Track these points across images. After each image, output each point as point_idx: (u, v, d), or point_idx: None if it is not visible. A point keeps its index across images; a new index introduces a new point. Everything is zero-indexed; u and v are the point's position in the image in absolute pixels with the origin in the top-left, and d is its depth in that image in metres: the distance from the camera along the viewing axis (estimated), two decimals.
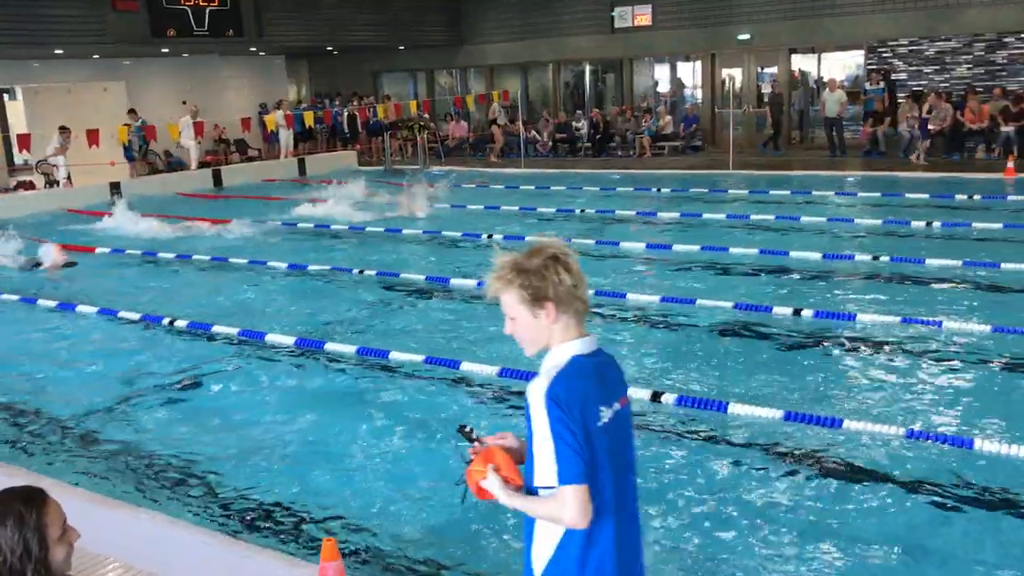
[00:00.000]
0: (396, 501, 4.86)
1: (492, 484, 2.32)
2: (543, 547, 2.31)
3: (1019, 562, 4.04)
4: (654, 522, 4.50)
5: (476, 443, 2.44)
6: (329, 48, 26.31)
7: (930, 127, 17.84)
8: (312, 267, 10.78)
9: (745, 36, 20.99)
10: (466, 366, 6.86)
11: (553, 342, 2.33)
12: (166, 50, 21.50)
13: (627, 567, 2.34)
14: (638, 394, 6.10)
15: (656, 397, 6.04)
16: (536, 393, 2.23)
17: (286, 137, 22.62)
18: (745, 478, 4.97)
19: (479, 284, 9.59)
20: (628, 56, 23.61)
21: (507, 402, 6.24)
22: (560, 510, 2.20)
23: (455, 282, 9.73)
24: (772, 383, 6.36)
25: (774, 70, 21.78)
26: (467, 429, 2.47)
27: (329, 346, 7.57)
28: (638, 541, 2.44)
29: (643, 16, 22.33)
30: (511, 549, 4.28)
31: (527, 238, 11.82)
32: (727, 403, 5.84)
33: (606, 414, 2.28)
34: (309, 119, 22.70)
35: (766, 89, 22.12)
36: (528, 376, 6.49)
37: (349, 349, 7.44)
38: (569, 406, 2.19)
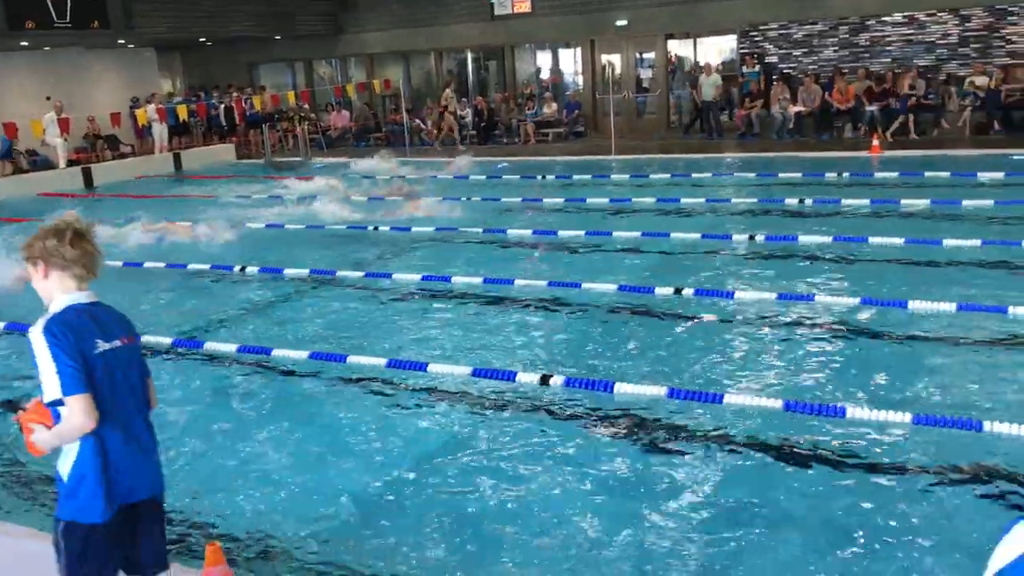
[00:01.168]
0: (282, 503, 4.75)
1: (34, 435, 2.91)
2: (67, 455, 2.91)
3: (868, 517, 4.22)
4: (553, 492, 4.53)
5: (18, 412, 3.03)
6: (203, 40, 25.48)
7: (799, 108, 18.55)
8: (192, 266, 10.43)
9: (623, 22, 21.32)
10: (353, 359, 6.77)
11: (54, 295, 2.94)
12: (25, 43, 20.39)
13: (134, 464, 2.97)
14: (527, 378, 6.13)
15: (545, 380, 6.08)
16: (35, 332, 2.82)
17: (160, 132, 21.84)
18: (633, 455, 5.05)
19: (367, 275, 9.48)
20: (509, 43, 23.68)
21: (392, 398, 6.18)
22: (71, 418, 2.80)
23: (342, 274, 9.59)
24: (657, 361, 6.50)
25: (652, 55, 22.19)
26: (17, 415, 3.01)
27: (209, 345, 7.35)
28: (145, 446, 3.05)
29: (523, 3, 22.41)
30: (401, 552, 4.25)
31: (414, 229, 11.76)
32: (613, 383, 5.93)
33: (103, 346, 2.89)
34: (183, 112, 21.96)
35: (645, 75, 22.55)
36: (413, 366, 6.47)
37: (229, 348, 7.23)
38: (64, 335, 2.80)
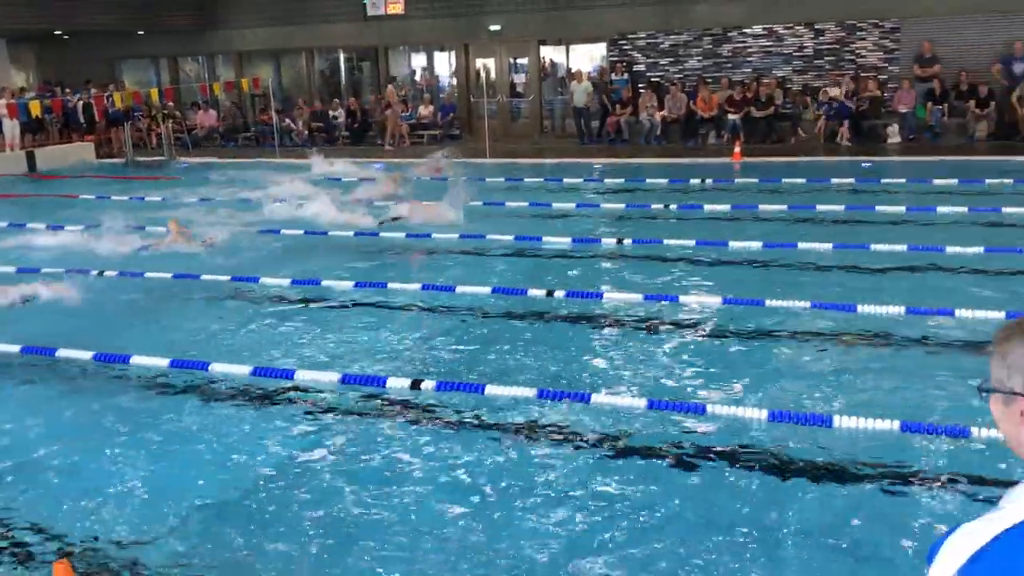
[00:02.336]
0: (138, 515, 4.58)
1: None
2: None
3: (732, 510, 4.41)
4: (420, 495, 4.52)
5: None
6: (59, 32, 24.26)
7: (666, 115, 19.13)
8: (46, 269, 9.92)
9: (496, 27, 21.48)
10: (217, 367, 6.58)
11: None
12: None
13: None
14: (398, 383, 6.11)
15: (416, 385, 6.07)
16: None
17: (11, 128, 20.67)
18: (503, 456, 5.10)
19: (233, 279, 9.23)
20: (383, 44, 23.50)
21: (257, 407, 6.05)
22: None
23: (207, 278, 9.31)
24: (529, 363, 6.58)
25: (525, 60, 22.45)
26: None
27: (62, 352, 7.00)
28: None
29: (396, 5, 22.29)
30: (263, 560, 4.16)
31: (283, 231, 11.52)
32: (484, 385, 5.97)
33: None
34: (36, 108, 20.85)
35: (519, 79, 22.78)
36: (282, 374, 6.35)
37: (84, 355, 6.91)
38: None
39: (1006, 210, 11.12)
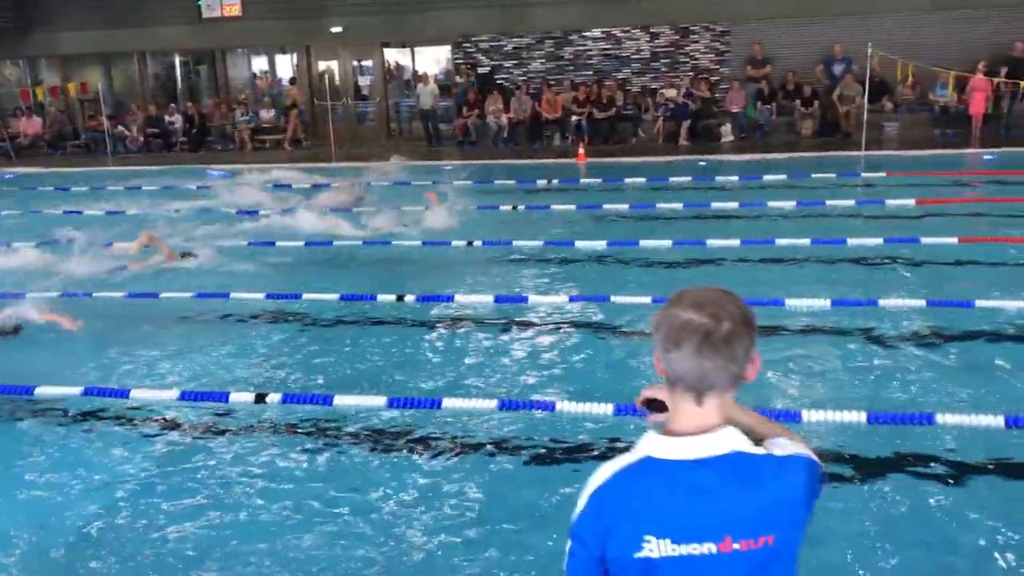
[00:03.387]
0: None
1: None
2: None
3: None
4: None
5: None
6: None
7: (512, 116, 19.35)
8: None
9: (338, 29, 21.15)
10: (43, 390, 6.19)
11: None
12: None
13: None
14: (242, 398, 5.91)
15: (261, 399, 5.90)
16: None
17: None
18: (355, 466, 5.01)
19: (63, 295, 8.69)
20: (220, 47, 22.74)
21: (91, 429, 5.73)
22: None
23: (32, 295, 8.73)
24: (380, 369, 6.50)
25: (369, 63, 22.22)
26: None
27: None
28: None
29: (232, 6, 21.61)
30: None
31: (114, 245, 10.91)
32: (332, 396, 5.86)
33: None
34: None
35: (364, 82, 22.53)
36: (115, 393, 6.02)
37: None
38: None
39: (830, 203, 11.80)
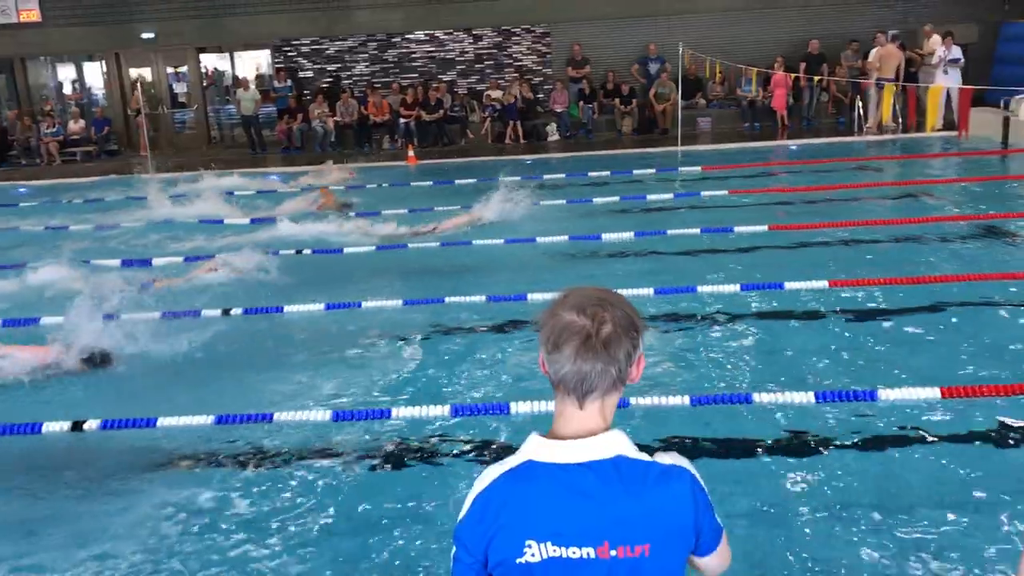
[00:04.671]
0: None
1: None
2: None
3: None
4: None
5: None
6: None
7: (338, 119, 19.08)
8: None
9: (149, 34, 20.22)
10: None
11: None
12: None
13: None
14: (56, 427, 5.56)
15: (78, 427, 5.57)
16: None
17: None
18: (179, 491, 4.82)
19: None
20: (20, 55, 21.27)
21: None
22: None
23: None
24: (214, 390, 6.27)
25: (185, 69, 21.37)
26: None
27: None
28: None
29: (30, 12, 20.26)
30: None
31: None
32: (157, 419, 5.61)
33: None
34: None
35: (180, 89, 21.65)
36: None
37: None
38: None
39: (651, 197, 12.28)
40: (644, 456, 1.80)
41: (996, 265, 8.28)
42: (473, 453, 5.13)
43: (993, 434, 5.08)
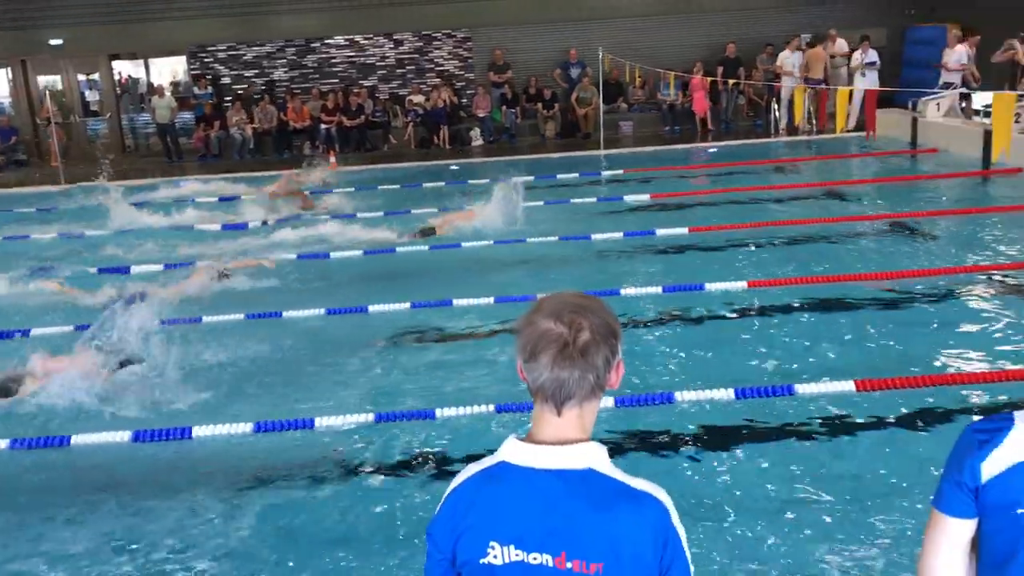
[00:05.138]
0: None
1: None
2: None
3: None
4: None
5: None
6: None
7: (256, 126, 18.77)
8: None
9: (58, 41, 19.59)
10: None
11: None
12: None
13: None
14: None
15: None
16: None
17: None
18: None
19: None
20: None
21: None
22: None
23: None
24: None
25: (97, 76, 20.77)
26: None
27: None
28: None
29: None
30: None
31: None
32: (70, 436, 5.42)
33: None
34: None
35: (92, 97, 21.04)
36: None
37: None
38: None
39: (574, 201, 12.35)
40: (619, 475, 1.77)
41: (907, 262, 8.54)
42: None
43: (904, 424, 5.23)
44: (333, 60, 20.15)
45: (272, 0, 19.63)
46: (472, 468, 1.84)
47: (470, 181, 14.49)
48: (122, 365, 6.40)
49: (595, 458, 1.77)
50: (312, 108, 19.14)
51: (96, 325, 6.67)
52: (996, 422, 1.88)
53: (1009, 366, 5.89)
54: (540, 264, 9.25)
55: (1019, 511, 1.80)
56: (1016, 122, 13.49)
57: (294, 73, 20.15)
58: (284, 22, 19.70)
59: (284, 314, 7.73)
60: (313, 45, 20.05)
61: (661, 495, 1.77)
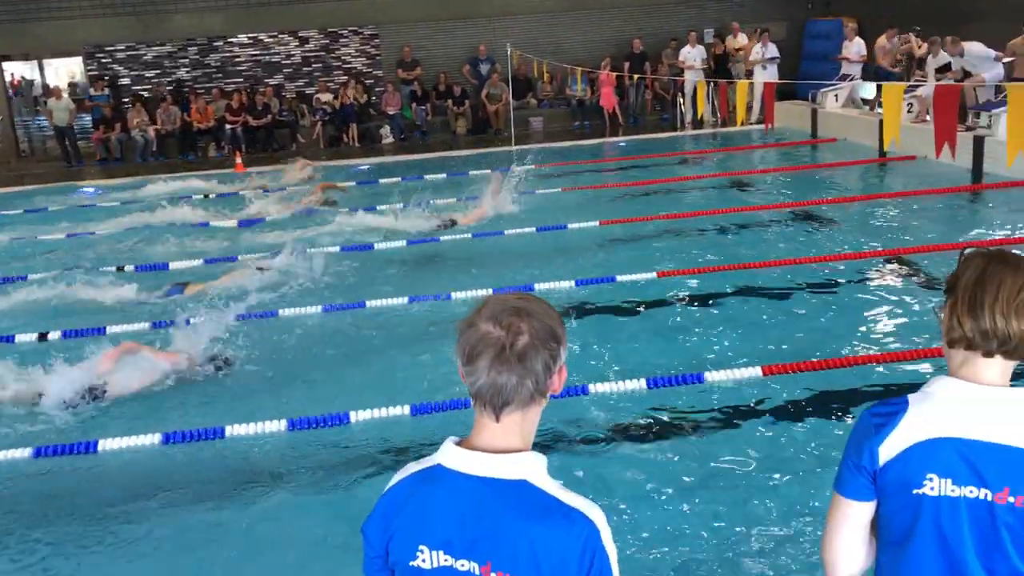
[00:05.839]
0: None
1: None
2: None
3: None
4: None
5: None
6: None
7: (159, 127, 18.26)
8: None
9: None
10: None
11: None
12: None
13: None
14: None
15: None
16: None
17: None
18: None
19: None
20: None
21: None
22: None
23: None
24: None
25: None
26: None
27: None
28: None
29: None
30: None
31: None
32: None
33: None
34: None
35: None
36: None
37: None
38: None
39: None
40: (553, 489, 1.72)
41: (809, 249, 8.80)
42: None
43: (809, 407, 5.39)
44: (237, 59, 19.74)
45: None
46: (410, 468, 1.81)
47: (380, 181, 14.35)
48: (214, 363, 6.46)
49: (531, 469, 1.72)
50: (217, 108, 18.71)
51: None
52: (891, 406, 1.94)
53: (906, 347, 6.12)
54: (454, 262, 9.23)
55: (915, 491, 1.87)
56: (909, 112, 14.07)
57: (197, 73, 19.67)
58: (185, 21, 19.20)
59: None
60: (216, 44, 19.60)
61: (593, 513, 1.71)
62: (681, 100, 18.30)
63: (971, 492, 1.84)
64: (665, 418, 5.34)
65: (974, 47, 13.23)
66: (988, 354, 1.88)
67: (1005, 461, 1.82)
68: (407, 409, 5.54)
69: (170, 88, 19.33)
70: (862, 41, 16.31)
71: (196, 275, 9.13)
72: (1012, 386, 1.91)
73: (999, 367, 1.89)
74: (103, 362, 6.20)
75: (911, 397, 1.94)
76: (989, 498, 1.83)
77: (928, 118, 11.97)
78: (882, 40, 15.92)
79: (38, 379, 6.09)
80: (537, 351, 1.69)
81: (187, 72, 19.65)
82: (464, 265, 9.03)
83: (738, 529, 4.15)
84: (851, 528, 1.98)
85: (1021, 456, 1.82)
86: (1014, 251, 2.01)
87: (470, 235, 10.09)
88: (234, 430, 5.42)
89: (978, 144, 11.72)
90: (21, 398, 6.00)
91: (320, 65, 19.93)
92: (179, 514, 4.61)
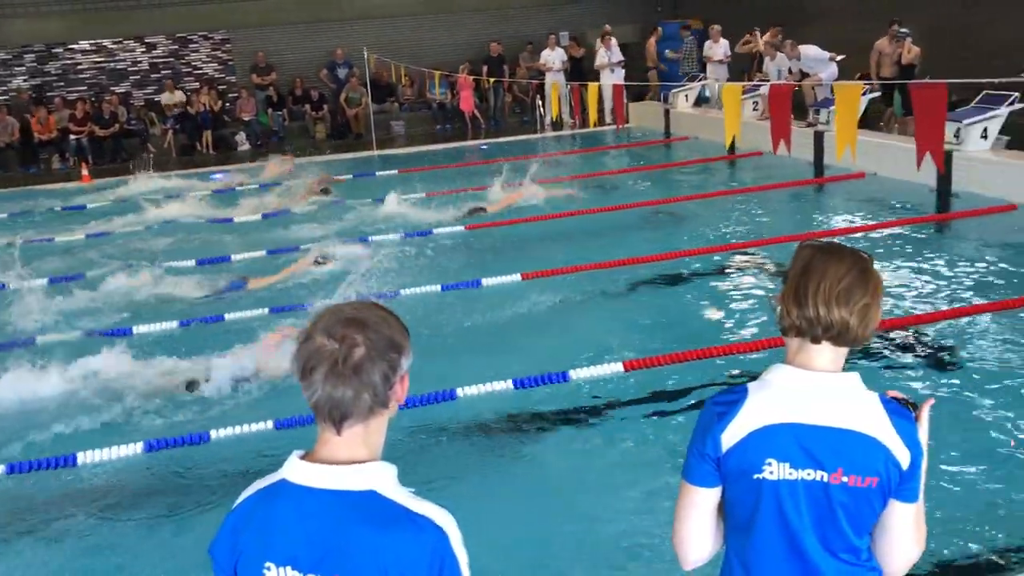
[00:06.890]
0: None
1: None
2: None
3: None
4: None
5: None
6: None
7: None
8: None
9: None
10: None
11: None
12: None
13: None
14: None
15: None
16: None
17: None
18: None
19: None
20: None
21: None
22: None
23: None
24: None
25: None
26: None
27: None
28: None
29: None
30: None
31: None
32: None
33: None
34: None
35: None
36: None
37: None
38: None
39: (349, 202, 12.20)
40: (402, 498, 1.69)
41: (663, 245, 9.10)
42: None
43: (670, 400, 5.59)
44: (80, 66, 18.87)
45: (5, 2, 18.07)
46: (255, 485, 1.78)
47: (238, 188, 14.00)
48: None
49: (378, 479, 1.70)
50: (59, 118, 17.79)
51: None
52: (732, 395, 2.04)
53: (756, 337, 6.42)
54: (314, 271, 9.08)
55: (756, 476, 1.97)
56: (755, 110, 14.75)
57: (36, 81, 18.66)
58: (19, 27, 18.21)
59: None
60: (55, 51, 18.64)
61: (442, 519, 1.69)
62: (540, 102, 18.60)
63: (808, 475, 1.95)
64: (529, 416, 5.43)
65: (810, 50, 14.00)
66: (816, 340, 1.98)
67: (837, 443, 1.94)
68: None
69: (4, 98, 18.24)
70: (727, 42, 16.88)
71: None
72: (845, 371, 2.02)
73: (830, 353, 2.00)
74: (265, 347, 6.30)
75: (750, 385, 2.03)
76: (825, 479, 1.94)
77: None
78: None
79: (207, 364, 6.26)
80: (374, 363, 1.67)
81: (25, 80, 18.61)
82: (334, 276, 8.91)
83: (601, 524, 4.26)
84: (699, 514, 2.06)
85: (851, 438, 1.94)
86: (842, 242, 2.15)
87: (342, 240, 9.91)
88: None
89: (818, 139, 12.40)
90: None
91: (170, 71, 19.27)
92: None
